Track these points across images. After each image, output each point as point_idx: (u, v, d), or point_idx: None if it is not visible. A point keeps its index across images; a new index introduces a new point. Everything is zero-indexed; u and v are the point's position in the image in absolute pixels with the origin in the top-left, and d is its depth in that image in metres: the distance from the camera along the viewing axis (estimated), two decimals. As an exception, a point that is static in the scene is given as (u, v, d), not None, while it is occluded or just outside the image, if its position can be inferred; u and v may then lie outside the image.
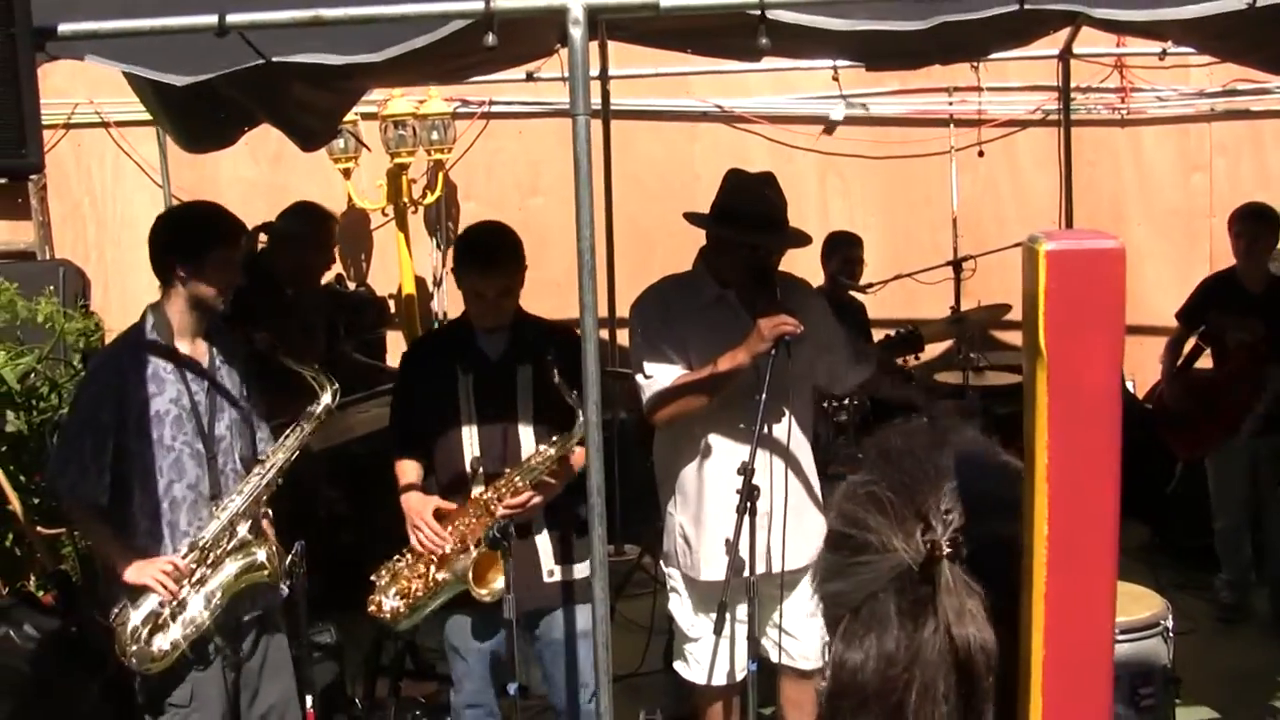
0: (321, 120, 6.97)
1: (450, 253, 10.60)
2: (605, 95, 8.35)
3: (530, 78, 8.35)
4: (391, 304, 10.53)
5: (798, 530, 5.13)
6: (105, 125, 10.49)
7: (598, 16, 4.74)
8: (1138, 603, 5.35)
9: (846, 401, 7.70)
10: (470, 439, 5.38)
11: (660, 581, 6.75)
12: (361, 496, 7.85)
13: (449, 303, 10.77)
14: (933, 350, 9.77)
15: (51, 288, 8.45)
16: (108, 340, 7.94)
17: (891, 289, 8.87)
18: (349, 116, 8.97)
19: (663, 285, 5.63)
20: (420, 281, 10.75)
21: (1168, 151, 10.56)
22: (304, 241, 7.50)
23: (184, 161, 9.84)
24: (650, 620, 7.04)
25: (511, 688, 5.17)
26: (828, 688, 1.63)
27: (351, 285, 10.54)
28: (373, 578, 5.47)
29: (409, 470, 5.51)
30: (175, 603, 4.88)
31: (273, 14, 4.55)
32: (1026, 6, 4.59)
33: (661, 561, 5.60)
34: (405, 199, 10.41)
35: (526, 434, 5.37)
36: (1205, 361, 8.20)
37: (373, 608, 5.45)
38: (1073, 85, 9.03)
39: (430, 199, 10.57)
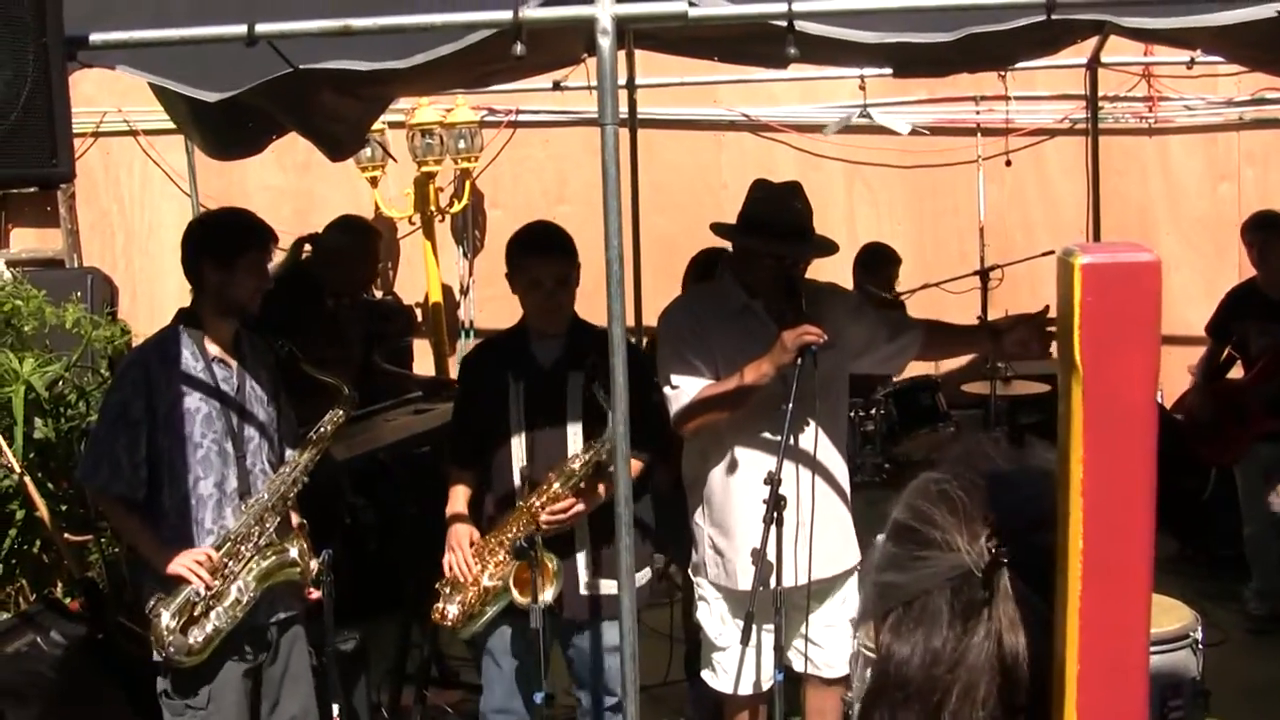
0: (350, 130, 6.97)
1: (477, 262, 10.64)
2: (632, 104, 8.34)
3: (557, 87, 8.34)
4: (418, 312, 10.55)
5: (827, 540, 5.12)
6: (134, 134, 10.54)
7: (626, 26, 4.74)
8: (1167, 614, 5.32)
9: (873, 411, 7.70)
10: (519, 447, 5.38)
11: (680, 589, 6.76)
12: (388, 504, 7.87)
13: (476, 311, 10.79)
14: (960, 360, 9.76)
15: (79, 295, 8.47)
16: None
17: (918, 298, 8.86)
18: (377, 125, 8.99)
19: (690, 296, 5.64)
20: (447, 290, 10.77)
21: (1196, 161, 10.52)
22: (349, 254, 7.53)
23: (212, 170, 9.88)
24: (669, 629, 7.03)
25: (537, 697, 5.17)
26: (871, 679, 1.63)
27: (378, 294, 10.55)
28: (437, 586, 5.47)
29: (458, 494, 5.53)
30: (210, 594, 4.91)
31: (302, 24, 4.56)
32: (1054, 17, 4.58)
33: (691, 571, 5.59)
34: (432, 207, 10.43)
35: (576, 442, 5.36)
36: (1237, 371, 8.18)
37: (436, 615, 5.45)
38: (1100, 94, 8.99)
39: (457, 207, 10.59)
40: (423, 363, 10.13)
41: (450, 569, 5.37)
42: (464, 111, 10.21)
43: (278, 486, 5.16)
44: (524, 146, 10.78)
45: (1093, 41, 7.85)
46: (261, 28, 4.47)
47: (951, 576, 1.54)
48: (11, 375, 6.89)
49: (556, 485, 5.21)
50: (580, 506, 5.24)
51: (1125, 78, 10.11)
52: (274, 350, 5.35)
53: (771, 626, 5.07)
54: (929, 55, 5.82)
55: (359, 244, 7.62)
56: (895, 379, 7.99)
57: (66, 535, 6.61)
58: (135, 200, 10.83)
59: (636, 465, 5.28)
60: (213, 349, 5.13)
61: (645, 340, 7.48)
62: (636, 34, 6.42)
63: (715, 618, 5.41)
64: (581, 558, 5.38)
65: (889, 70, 7.55)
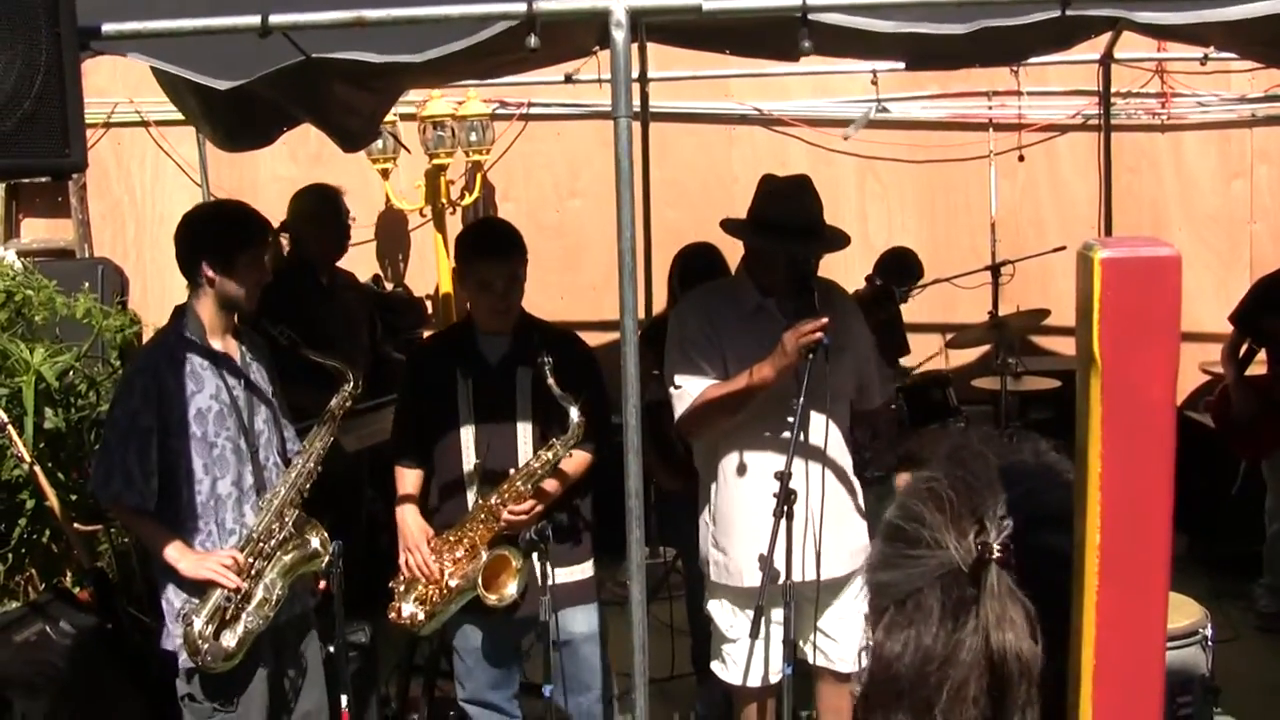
0: (363, 122, 6.97)
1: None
2: (644, 98, 8.33)
3: (569, 80, 8.33)
4: (429, 304, 10.54)
5: (838, 538, 5.11)
6: (145, 124, 10.54)
7: (639, 19, 4.72)
8: (1177, 611, 5.31)
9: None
10: (469, 442, 5.42)
11: (686, 582, 6.77)
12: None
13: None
14: (971, 355, 9.76)
15: (90, 285, 8.48)
16: (145, 338, 7.98)
17: (929, 293, 8.85)
18: (388, 117, 8.98)
19: (705, 293, 5.62)
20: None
21: (1209, 157, 10.49)
22: (317, 217, 7.46)
23: (223, 161, 9.89)
24: (678, 624, 7.03)
25: (547, 690, 5.18)
26: (865, 677, 1.63)
27: (389, 286, 10.56)
28: (390, 585, 5.50)
29: (408, 480, 5.61)
30: (239, 596, 4.90)
31: (316, 15, 4.56)
32: (1069, 12, 4.56)
33: (701, 565, 5.59)
34: (443, 200, 10.42)
35: (525, 437, 5.41)
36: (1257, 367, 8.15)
37: (393, 615, 5.49)
38: (1113, 90, 8.98)
39: (468, 200, 10.58)
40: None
41: (409, 569, 5.40)
42: (476, 104, 10.20)
43: (293, 479, 5.15)
44: (535, 139, 10.77)
45: (1106, 37, 7.83)
46: (275, 19, 4.47)
47: (941, 574, 1.55)
48: (22, 365, 6.89)
49: (520, 484, 5.24)
50: (540, 506, 5.29)
51: (1138, 74, 10.08)
52: (274, 339, 5.33)
53: (781, 620, 5.06)
54: (942, 48, 5.81)
55: (319, 206, 7.54)
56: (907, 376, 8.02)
57: (76, 525, 6.61)
58: (146, 191, 10.83)
59: (585, 458, 5.42)
60: (216, 345, 5.10)
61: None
62: (648, 27, 6.40)
63: (726, 610, 5.41)
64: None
65: (901, 64, 7.53)
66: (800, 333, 4.84)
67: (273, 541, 5.04)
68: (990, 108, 10.52)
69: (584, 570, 5.55)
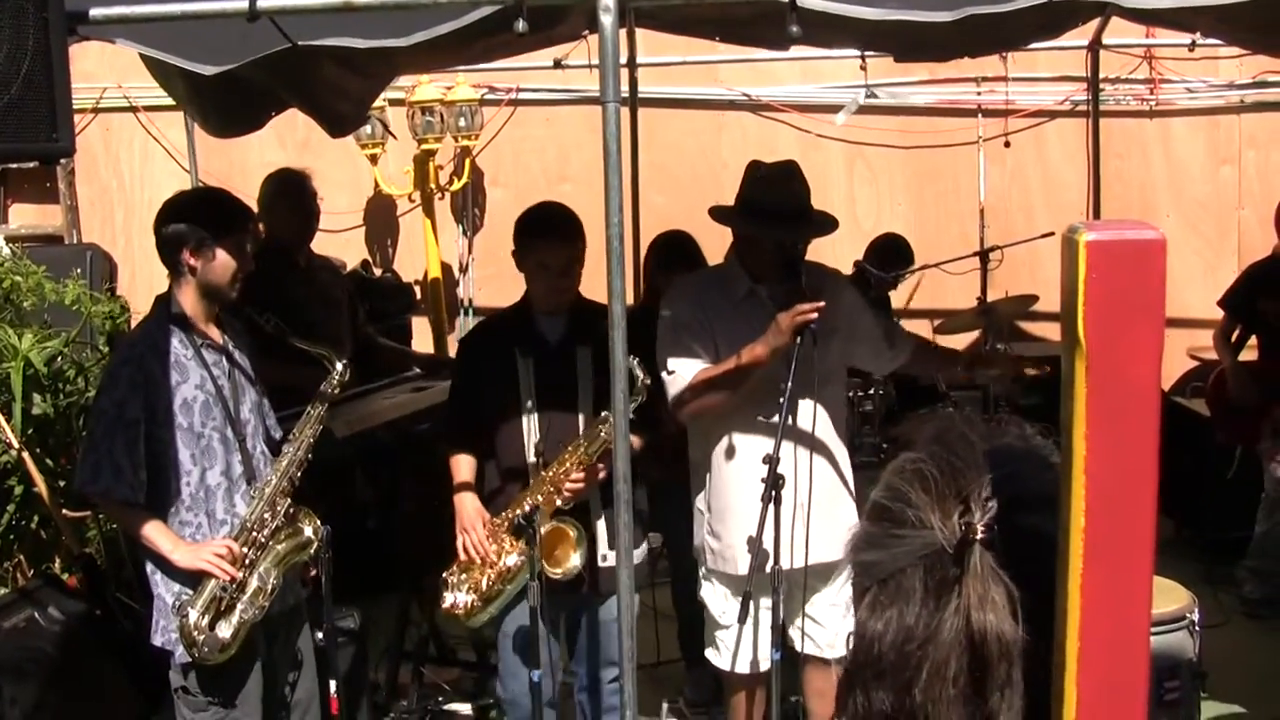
0: (351, 105, 6.96)
1: (476, 240, 10.63)
2: (633, 83, 8.33)
3: (558, 65, 8.32)
4: (417, 290, 10.54)
5: (828, 523, 5.10)
6: (134, 110, 10.52)
7: (627, 3, 4.72)
8: (1164, 596, 5.32)
9: (872, 392, 7.70)
10: (531, 423, 5.39)
11: (675, 569, 6.78)
12: (388, 482, 7.86)
13: (475, 289, 10.79)
14: (960, 341, 9.75)
15: (79, 271, 8.45)
16: (133, 324, 7.96)
17: (918, 279, 8.85)
18: (377, 103, 8.97)
19: (695, 279, 5.63)
20: (446, 268, 10.76)
21: (1197, 143, 10.50)
22: (280, 200, 7.44)
23: (212, 147, 9.85)
24: (668, 609, 7.04)
25: (534, 674, 5.17)
26: (848, 657, 1.64)
27: (378, 271, 10.55)
28: (445, 575, 5.46)
29: (463, 466, 5.54)
30: (235, 586, 4.88)
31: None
32: (1055, -2, 4.57)
33: (695, 553, 5.59)
34: (432, 185, 10.41)
35: (587, 414, 5.40)
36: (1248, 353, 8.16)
37: (446, 605, 5.45)
38: (1102, 76, 8.98)
39: (457, 185, 10.58)
40: (422, 340, 10.12)
41: (466, 552, 5.36)
42: (464, 89, 10.19)
43: (284, 467, 5.11)
44: (525, 125, 10.76)
45: (1094, 23, 7.84)
46: (263, 3, 4.46)
47: (924, 554, 1.55)
48: (10, 351, 6.88)
49: (583, 450, 5.21)
50: (603, 473, 5.24)
51: (1127, 60, 10.08)
52: (257, 326, 5.28)
53: (770, 606, 5.06)
54: (930, 40, 5.81)
55: (280, 189, 7.51)
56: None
57: (65, 511, 6.60)
58: (135, 176, 10.82)
59: (636, 443, 5.29)
60: (199, 335, 5.04)
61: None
62: (637, 12, 6.40)
63: (719, 596, 5.41)
64: (600, 530, 5.40)
65: (890, 55, 7.54)
66: (796, 312, 4.84)
67: (266, 531, 5.01)
68: (979, 93, 10.52)
69: (636, 554, 5.46)
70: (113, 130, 10.75)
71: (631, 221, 7.91)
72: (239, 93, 5.97)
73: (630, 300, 5.38)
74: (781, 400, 4.89)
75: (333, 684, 5.32)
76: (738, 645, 5.30)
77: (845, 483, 5.41)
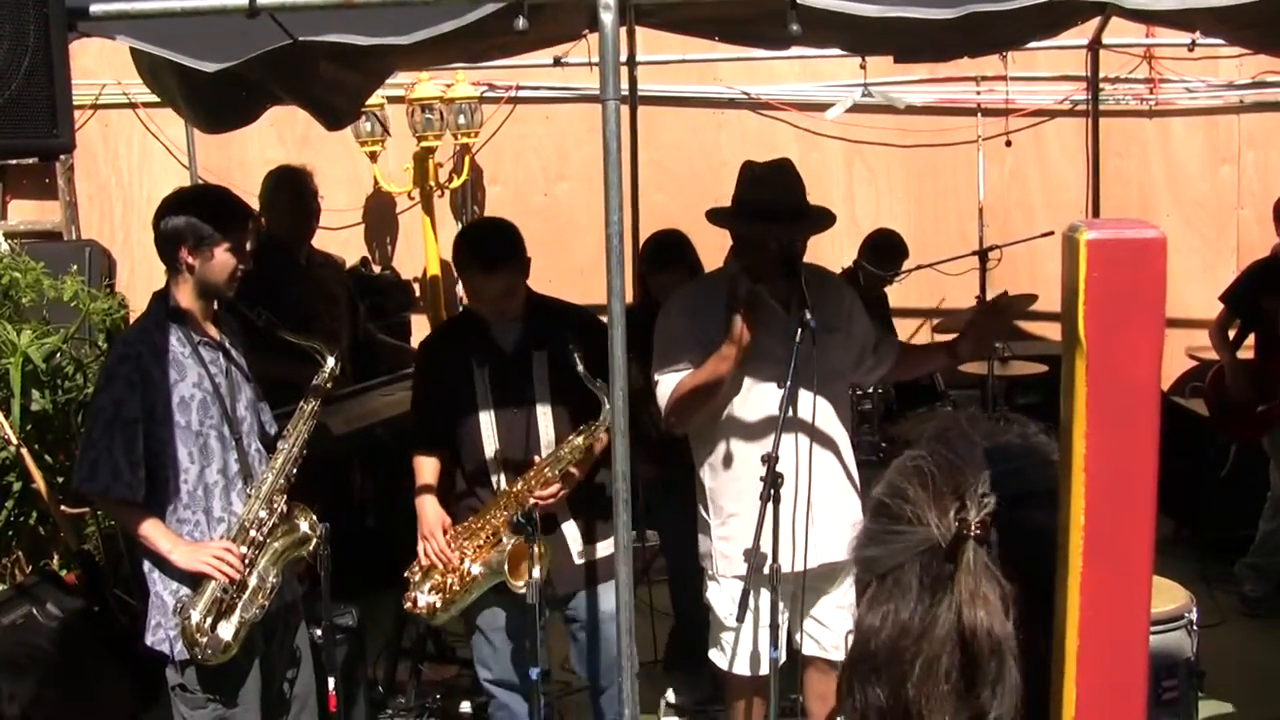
0: (348, 100, 6.96)
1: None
2: (633, 81, 8.32)
3: (558, 63, 8.32)
4: (416, 287, 10.54)
5: (832, 524, 5.09)
6: (133, 106, 10.51)
7: (628, 1, 4.72)
8: (1163, 595, 5.33)
9: (871, 390, 7.70)
10: (490, 430, 5.39)
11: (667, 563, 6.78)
12: (386, 479, 7.87)
13: (472, 287, 10.78)
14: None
15: (77, 267, 8.46)
16: (132, 321, 7.96)
17: (917, 278, 8.85)
18: (376, 100, 8.97)
19: (696, 284, 5.63)
20: (445, 265, 10.74)
21: (1196, 143, 10.51)
22: (278, 197, 7.45)
23: (211, 143, 9.87)
24: (664, 609, 7.05)
25: (534, 672, 5.17)
26: (848, 652, 1.65)
27: (377, 268, 10.55)
28: (406, 574, 5.48)
29: (426, 469, 5.54)
30: (235, 587, 4.87)
31: (303, -4, 4.56)
32: (1056, -3, 4.57)
33: (702, 556, 5.57)
34: (431, 183, 10.42)
35: (545, 421, 5.37)
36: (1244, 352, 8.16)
37: (408, 604, 5.46)
38: (1102, 75, 8.98)
39: (456, 183, 10.58)
40: (421, 338, 10.11)
41: (426, 556, 5.38)
42: (464, 87, 10.20)
43: (280, 464, 5.10)
44: (524, 122, 10.76)
45: (1094, 22, 7.84)
46: (263, 0, 4.46)
47: (921, 550, 1.56)
48: (9, 347, 6.88)
49: (548, 470, 5.21)
50: (565, 490, 5.26)
51: (1126, 59, 10.09)
52: (251, 321, 5.25)
53: (770, 607, 5.06)
54: (930, 40, 5.81)
55: (279, 186, 7.52)
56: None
57: (63, 508, 6.60)
58: (134, 173, 10.82)
59: (599, 446, 5.34)
60: (196, 332, 5.01)
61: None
62: (638, 11, 6.40)
63: (725, 597, 5.39)
64: (569, 529, 5.40)
65: (890, 56, 7.53)
66: (738, 327, 4.89)
67: (264, 529, 5.01)
68: (979, 93, 10.52)
69: (605, 546, 5.43)
70: (112, 126, 10.75)
71: (631, 219, 7.91)
72: (233, 88, 5.95)
73: (630, 299, 5.37)
74: (780, 398, 4.89)
75: (331, 681, 5.31)
76: (739, 646, 5.30)
77: (851, 484, 5.39)
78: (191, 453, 4.91)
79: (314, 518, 5.14)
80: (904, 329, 9.00)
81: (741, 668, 5.34)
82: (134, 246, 10.39)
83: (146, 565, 4.97)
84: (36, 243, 9.89)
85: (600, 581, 5.43)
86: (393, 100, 10.07)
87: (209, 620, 4.81)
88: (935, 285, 9.49)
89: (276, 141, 10.21)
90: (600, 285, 4.49)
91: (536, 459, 5.28)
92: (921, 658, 1.53)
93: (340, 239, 10.21)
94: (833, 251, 7.54)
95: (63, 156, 9.49)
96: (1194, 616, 5.34)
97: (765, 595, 5.06)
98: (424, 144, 10.22)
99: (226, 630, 4.84)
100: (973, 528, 1.51)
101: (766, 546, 4.91)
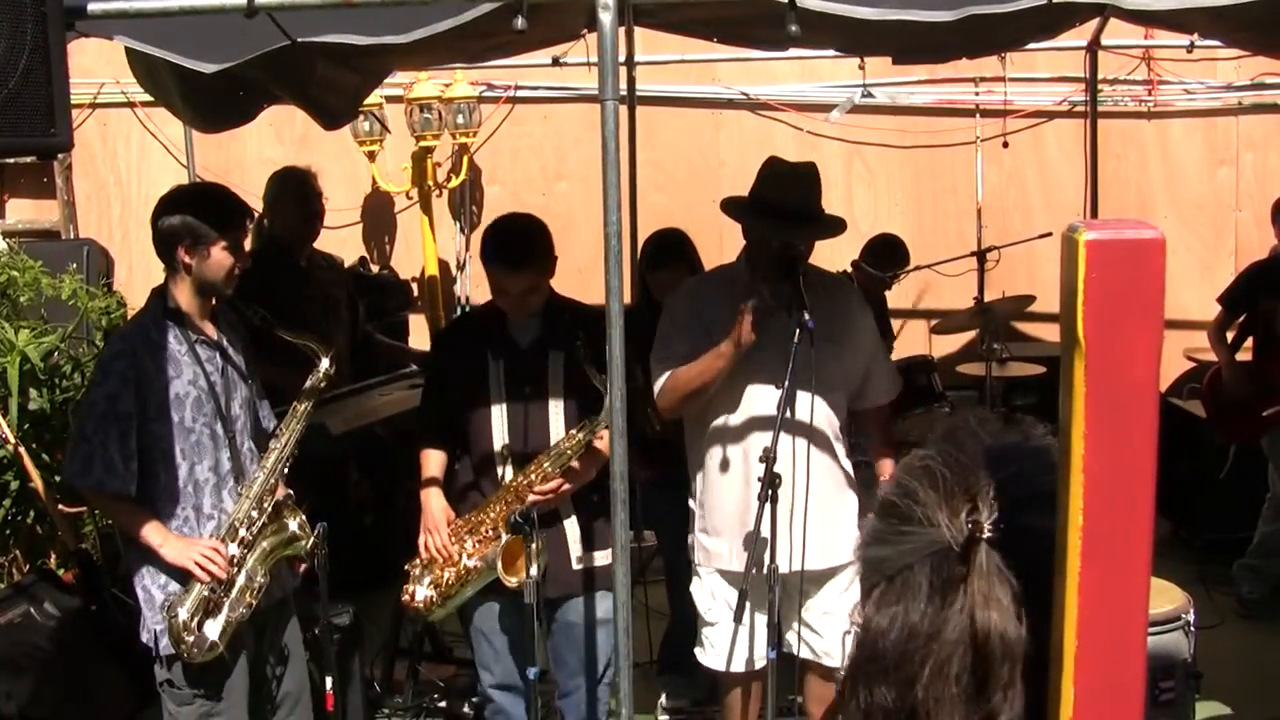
0: (345, 99, 6.96)
1: (474, 237, 10.63)
2: (631, 81, 8.32)
3: (557, 63, 8.32)
4: (415, 287, 10.55)
5: (827, 528, 5.10)
6: (131, 105, 10.51)
7: (626, 1, 4.73)
8: (1160, 596, 5.32)
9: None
10: (500, 424, 5.37)
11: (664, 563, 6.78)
12: (384, 479, 7.87)
13: (472, 287, 10.79)
14: (956, 341, 9.77)
15: (75, 266, 8.46)
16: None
17: (914, 279, 8.86)
18: (374, 99, 8.97)
19: (701, 277, 5.63)
20: (444, 265, 10.77)
21: (1194, 144, 10.52)
22: (282, 198, 7.46)
23: (209, 142, 9.87)
24: (662, 609, 7.05)
25: (531, 672, 5.16)
26: (853, 653, 1.64)
27: (375, 268, 10.55)
28: (406, 567, 5.47)
29: (432, 462, 5.52)
30: (223, 586, 4.87)
31: (302, -5, 4.56)
32: (1055, 0, 4.57)
33: (689, 550, 5.58)
34: (430, 182, 10.43)
35: (557, 419, 5.35)
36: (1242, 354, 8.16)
37: (406, 598, 5.45)
38: (1100, 77, 8.99)
39: (455, 182, 10.59)
40: (419, 337, 10.12)
41: (427, 550, 5.38)
42: (463, 87, 10.21)
43: (271, 464, 5.09)
44: (523, 122, 10.77)
45: (1093, 24, 7.84)
46: (261, 0, 4.46)
47: (931, 551, 1.55)
48: (7, 346, 6.88)
49: (548, 465, 5.20)
50: (568, 485, 5.24)
51: (1125, 61, 10.09)
52: (248, 319, 5.26)
53: (765, 606, 5.06)
54: (928, 41, 5.81)
55: (282, 188, 7.52)
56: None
57: (61, 507, 6.61)
58: (132, 172, 10.82)
59: (605, 448, 5.29)
60: (193, 330, 5.01)
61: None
62: (636, 11, 6.40)
63: (706, 593, 5.40)
64: (571, 532, 5.39)
65: (888, 57, 7.53)
66: (748, 324, 4.89)
67: (252, 529, 5.00)
68: (977, 94, 10.53)
69: (604, 556, 5.40)
70: (110, 125, 10.76)
71: (630, 219, 7.91)
72: (231, 88, 5.95)
73: (628, 299, 5.37)
74: (776, 398, 4.89)
75: (328, 680, 5.32)
76: (733, 644, 5.30)
77: (846, 490, 5.39)
78: (183, 449, 4.90)
79: (302, 517, 5.13)
80: (902, 330, 9.00)
81: (734, 665, 5.35)
82: (132, 245, 10.40)
83: (136, 560, 4.97)
84: (34, 241, 9.90)
85: (597, 589, 5.42)
86: (391, 100, 10.07)
87: (196, 619, 4.81)
88: (934, 286, 9.49)
89: (275, 140, 10.22)
90: (598, 285, 4.49)
91: (539, 454, 5.27)
92: (932, 660, 1.53)
93: (338, 238, 10.21)
94: (832, 253, 7.52)
95: (61, 155, 9.52)
96: (1192, 618, 5.34)
97: (752, 593, 5.06)
98: (422, 143, 10.23)
99: (213, 629, 4.84)
100: (985, 529, 1.50)
101: (762, 545, 4.92)
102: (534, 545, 5.03)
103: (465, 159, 10.48)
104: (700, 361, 5.10)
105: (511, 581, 5.18)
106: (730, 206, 5.38)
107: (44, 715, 5.76)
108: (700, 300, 5.33)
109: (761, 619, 5.15)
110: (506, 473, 5.35)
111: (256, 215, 7.33)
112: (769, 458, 4.83)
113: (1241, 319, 8.01)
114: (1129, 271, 1.29)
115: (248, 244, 5.21)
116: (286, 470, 5.15)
